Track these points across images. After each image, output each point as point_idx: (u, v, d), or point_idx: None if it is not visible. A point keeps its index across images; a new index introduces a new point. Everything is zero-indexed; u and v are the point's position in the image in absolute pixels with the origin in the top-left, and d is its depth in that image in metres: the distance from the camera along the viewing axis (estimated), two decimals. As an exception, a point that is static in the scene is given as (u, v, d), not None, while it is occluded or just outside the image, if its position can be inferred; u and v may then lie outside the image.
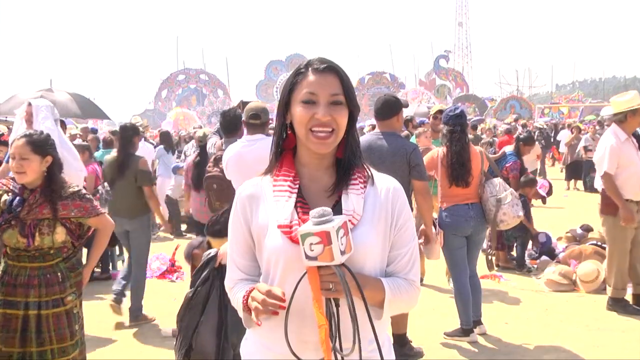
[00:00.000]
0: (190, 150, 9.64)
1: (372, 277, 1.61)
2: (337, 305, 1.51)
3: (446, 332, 4.94)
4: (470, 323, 4.81)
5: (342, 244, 1.47)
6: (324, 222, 1.47)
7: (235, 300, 1.70)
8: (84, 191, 3.37)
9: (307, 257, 1.48)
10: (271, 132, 5.36)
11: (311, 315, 1.51)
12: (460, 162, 4.72)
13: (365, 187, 1.66)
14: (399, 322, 4.43)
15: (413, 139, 6.94)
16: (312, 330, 1.53)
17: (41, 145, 3.24)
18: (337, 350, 1.49)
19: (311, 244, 1.46)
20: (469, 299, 4.78)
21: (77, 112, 8.87)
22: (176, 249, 7.40)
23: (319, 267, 1.49)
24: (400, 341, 4.48)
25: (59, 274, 3.28)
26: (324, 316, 1.49)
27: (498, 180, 4.89)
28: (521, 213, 4.85)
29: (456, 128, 4.79)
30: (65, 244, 3.31)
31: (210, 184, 5.06)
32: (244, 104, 5.64)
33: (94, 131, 14.09)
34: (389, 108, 4.43)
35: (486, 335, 4.97)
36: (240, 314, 1.70)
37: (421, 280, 6.23)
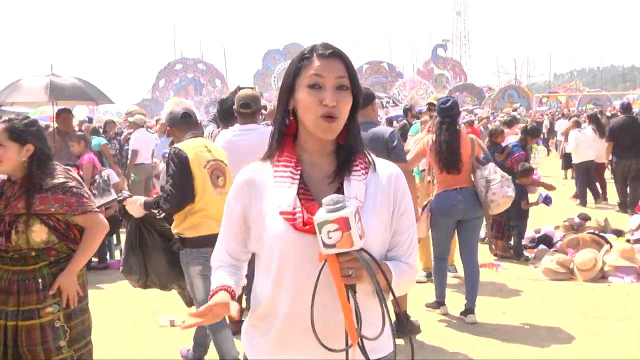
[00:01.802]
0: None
1: (380, 261, 1.62)
2: (355, 292, 1.52)
3: (427, 303, 5.32)
4: (442, 297, 5.20)
5: (359, 229, 1.47)
6: (339, 209, 1.46)
7: (211, 284, 1.74)
8: (71, 183, 2.87)
9: (325, 245, 1.47)
10: (264, 122, 5.34)
11: (322, 304, 1.51)
12: (451, 150, 4.90)
13: (366, 173, 1.65)
14: (400, 300, 4.49)
15: (417, 127, 6.96)
16: (325, 318, 1.53)
17: (19, 132, 2.82)
18: (360, 334, 1.49)
19: (329, 231, 1.45)
20: (444, 275, 5.18)
21: (92, 96, 8.40)
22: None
23: (337, 255, 1.48)
24: (401, 318, 4.52)
25: (39, 280, 2.81)
26: (348, 302, 1.49)
27: (490, 165, 5.02)
28: (511, 193, 4.90)
29: (445, 119, 4.97)
30: (52, 245, 2.84)
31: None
32: (240, 89, 5.60)
33: (90, 120, 13.95)
34: (364, 98, 4.47)
35: (484, 323, 4.98)
36: None
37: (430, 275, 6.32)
